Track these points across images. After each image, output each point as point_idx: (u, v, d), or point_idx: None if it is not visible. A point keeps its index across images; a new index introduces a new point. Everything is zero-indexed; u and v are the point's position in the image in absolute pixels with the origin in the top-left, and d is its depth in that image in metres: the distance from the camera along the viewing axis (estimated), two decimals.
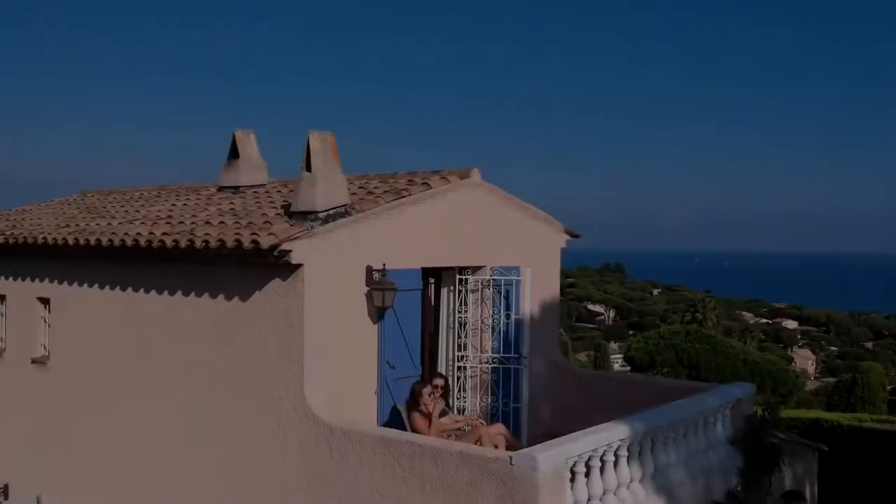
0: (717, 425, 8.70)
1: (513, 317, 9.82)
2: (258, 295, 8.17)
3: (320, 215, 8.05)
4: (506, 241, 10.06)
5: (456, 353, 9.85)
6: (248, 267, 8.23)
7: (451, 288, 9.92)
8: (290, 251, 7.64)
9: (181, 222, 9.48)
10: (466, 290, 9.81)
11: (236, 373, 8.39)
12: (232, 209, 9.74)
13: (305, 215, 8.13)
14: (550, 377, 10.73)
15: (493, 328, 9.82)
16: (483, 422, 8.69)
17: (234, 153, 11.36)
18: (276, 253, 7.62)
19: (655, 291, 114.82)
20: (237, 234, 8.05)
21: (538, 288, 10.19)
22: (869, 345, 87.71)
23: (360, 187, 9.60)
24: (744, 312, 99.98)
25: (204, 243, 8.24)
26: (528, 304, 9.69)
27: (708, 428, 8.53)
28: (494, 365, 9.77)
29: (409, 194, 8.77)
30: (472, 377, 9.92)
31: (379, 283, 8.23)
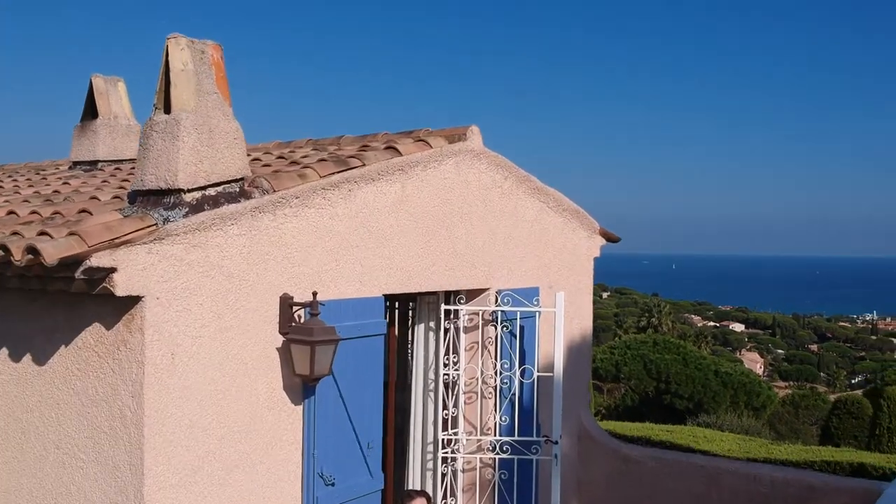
0: None
1: (534, 373, 5.95)
2: (62, 355, 4.13)
3: (186, 198, 4.05)
4: (520, 247, 6.19)
5: (440, 436, 5.90)
6: (42, 300, 4.19)
7: (432, 325, 5.97)
8: (113, 270, 3.63)
9: None
10: (458, 330, 5.88)
11: None
12: (52, 194, 5.65)
13: (159, 198, 4.13)
14: (580, 457, 6.92)
15: (499, 391, 5.94)
16: None
17: (91, 111, 7.37)
18: (80, 274, 3.60)
19: (605, 294, 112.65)
20: (9, 234, 4.00)
21: (566, 322, 6.37)
22: (814, 347, 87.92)
23: (278, 157, 5.65)
24: (692, 315, 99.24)
25: None
26: (559, 352, 5.82)
27: None
28: (503, 455, 5.86)
29: (363, 164, 4.86)
30: (465, 472, 6.00)
31: (305, 331, 4.27)
